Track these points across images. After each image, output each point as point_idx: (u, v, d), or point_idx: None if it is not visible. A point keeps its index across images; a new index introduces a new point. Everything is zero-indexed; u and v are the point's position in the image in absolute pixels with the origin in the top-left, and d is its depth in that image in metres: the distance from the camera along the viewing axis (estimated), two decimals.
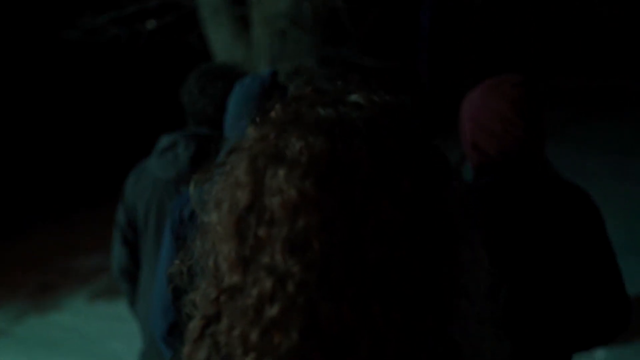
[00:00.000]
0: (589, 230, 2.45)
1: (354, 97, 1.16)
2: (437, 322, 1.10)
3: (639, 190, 7.25)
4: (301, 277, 1.06)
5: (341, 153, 1.08)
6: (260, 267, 1.08)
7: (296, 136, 1.10)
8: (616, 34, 10.26)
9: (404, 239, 1.08)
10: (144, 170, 3.26)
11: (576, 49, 10.29)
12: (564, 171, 2.61)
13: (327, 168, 1.07)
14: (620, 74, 10.21)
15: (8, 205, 7.54)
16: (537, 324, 2.41)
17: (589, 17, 9.85)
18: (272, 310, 1.06)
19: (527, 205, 2.43)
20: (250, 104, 2.59)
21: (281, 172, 1.08)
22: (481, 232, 1.20)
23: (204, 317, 1.14)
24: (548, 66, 9.96)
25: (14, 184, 7.72)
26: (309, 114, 1.13)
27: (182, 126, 3.37)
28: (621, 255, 2.56)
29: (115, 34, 5.77)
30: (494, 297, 1.23)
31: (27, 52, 7.88)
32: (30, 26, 7.80)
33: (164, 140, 3.23)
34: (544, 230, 2.43)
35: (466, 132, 2.54)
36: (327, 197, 1.07)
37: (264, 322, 1.07)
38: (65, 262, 6.56)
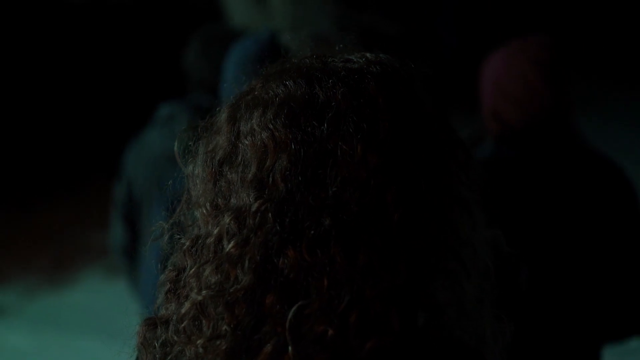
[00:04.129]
0: (621, 207, 2.29)
1: (346, 56, 1.16)
2: (411, 277, 1.05)
3: None
4: (260, 214, 1.04)
5: (317, 94, 1.08)
6: (226, 209, 1.08)
7: (276, 82, 1.11)
8: None
9: (376, 183, 1.05)
10: (144, 142, 3.12)
11: (615, 14, 9.97)
12: (599, 147, 2.44)
13: (299, 107, 1.07)
14: None
15: (22, 177, 7.42)
16: (561, 309, 2.28)
17: None
18: (229, 246, 1.05)
19: (552, 182, 2.27)
20: (248, 67, 2.45)
21: (255, 114, 1.09)
22: (493, 207, 1.18)
23: (175, 269, 1.13)
24: (583, 30, 9.66)
25: (26, 155, 7.60)
26: (296, 64, 1.14)
27: (185, 92, 3.22)
28: None
29: None
30: (505, 277, 1.21)
31: (31, 18, 7.76)
32: None
33: (163, 110, 3.08)
34: (571, 208, 2.27)
35: (486, 98, 2.37)
36: (296, 136, 1.06)
37: (220, 258, 1.06)
38: (81, 236, 6.43)
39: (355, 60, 1.14)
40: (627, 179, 2.33)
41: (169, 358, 1.10)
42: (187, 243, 1.12)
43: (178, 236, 1.18)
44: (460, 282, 1.09)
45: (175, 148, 1.23)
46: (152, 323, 1.13)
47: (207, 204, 1.11)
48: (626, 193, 2.31)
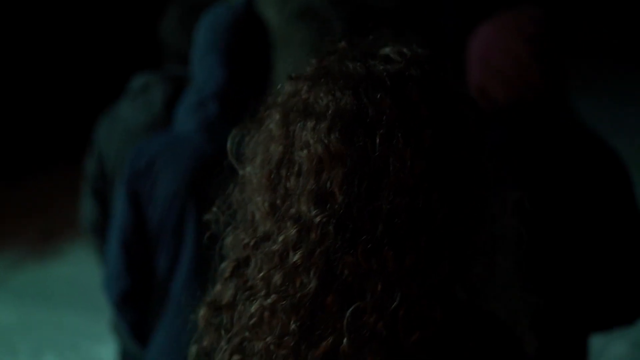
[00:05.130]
0: (612, 190, 2.17)
1: (385, 51, 1.22)
2: (453, 269, 1.17)
3: None
4: (323, 228, 1.15)
5: (365, 107, 1.16)
6: (287, 216, 1.19)
7: (324, 91, 1.19)
8: None
9: (422, 188, 1.14)
10: (116, 115, 2.99)
11: None
12: (600, 128, 2.35)
13: (351, 122, 1.15)
14: None
15: (8, 150, 7.30)
16: (550, 299, 2.12)
17: None
18: (295, 257, 1.17)
19: (540, 162, 2.16)
20: (220, 37, 2.33)
21: (309, 125, 1.18)
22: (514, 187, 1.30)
23: (236, 259, 1.27)
24: (581, 6, 9.47)
25: (12, 127, 7.46)
26: (338, 69, 1.20)
27: (161, 65, 3.11)
28: None
29: None
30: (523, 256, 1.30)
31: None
32: None
33: (137, 82, 2.97)
34: (560, 190, 2.16)
35: (473, 74, 2.25)
36: (351, 151, 1.15)
37: (287, 267, 1.18)
38: (68, 209, 6.29)
39: (393, 58, 1.21)
40: (620, 163, 2.22)
41: (232, 345, 1.24)
42: (247, 238, 1.24)
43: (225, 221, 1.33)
44: (493, 261, 1.22)
45: (229, 145, 1.32)
46: (216, 308, 1.28)
47: (266, 204, 1.22)
48: (618, 179, 2.21)
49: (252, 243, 1.24)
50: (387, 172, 1.14)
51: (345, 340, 1.15)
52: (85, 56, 7.77)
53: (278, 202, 1.21)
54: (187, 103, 2.36)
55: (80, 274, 5.61)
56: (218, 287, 1.30)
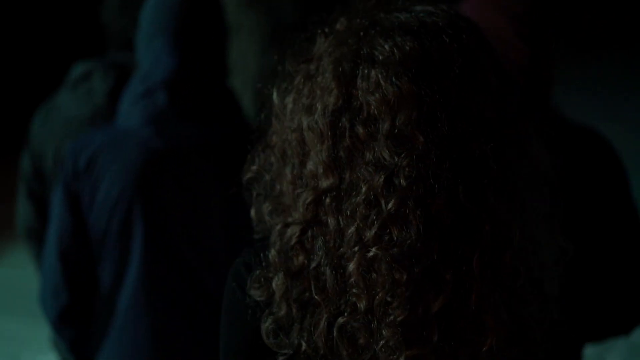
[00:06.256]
0: (611, 187, 2.07)
1: (421, 7, 1.27)
2: (543, 209, 1.27)
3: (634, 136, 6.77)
4: (411, 170, 1.16)
5: (429, 51, 1.20)
6: (363, 164, 1.19)
7: (383, 38, 1.21)
8: None
9: (498, 132, 1.20)
10: (54, 107, 2.85)
11: None
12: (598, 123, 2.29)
13: (421, 65, 1.19)
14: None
15: None
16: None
17: None
18: (389, 206, 1.16)
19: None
20: (169, 18, 2.23)
21: (374, 73, 1.19)
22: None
23: (302, 221, 1.23)
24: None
25: None
26: (388, 19, 1.24)
27: (103, 52, 3.00)
28: None
29: None
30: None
31: None
32: None
33: (77, 70, 2.82)
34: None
35: None
36: (425, 92, 1.17)
37: (381, 217, 1.17)
38: (7, 209, 6.13)
39: (435, 11, 1.26)
40: (617, 157, 2.09)
41: (329, 309, 1.20)
42: (310, 196, 1.22)
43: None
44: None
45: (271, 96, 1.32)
46: (294, 274, 1.23)
47: (325, 155, 1.21)
48: (616, 174, 2.09)
49: (320, 200, 1.22)
50: (464, 116, 1.18)
51: (475, 286, 1.18)
52: (19, 43, 7.53)
53: (342, 153, 1.20)
54: (132, 93, 2.24)
55: (21, 278, 5.37)
56: (282, 256, 1.25)
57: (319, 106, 1.22)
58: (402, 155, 1.16)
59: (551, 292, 1.31)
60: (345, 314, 1.20)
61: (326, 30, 1.28)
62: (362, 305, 1.18)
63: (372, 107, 1.18)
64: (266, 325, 1.25)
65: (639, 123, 7.29)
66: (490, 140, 1.18)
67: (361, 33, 1.23)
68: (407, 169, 1.15)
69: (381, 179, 1.16)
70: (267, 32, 3.68)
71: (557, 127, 2.05)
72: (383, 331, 1.18)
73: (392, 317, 1.17)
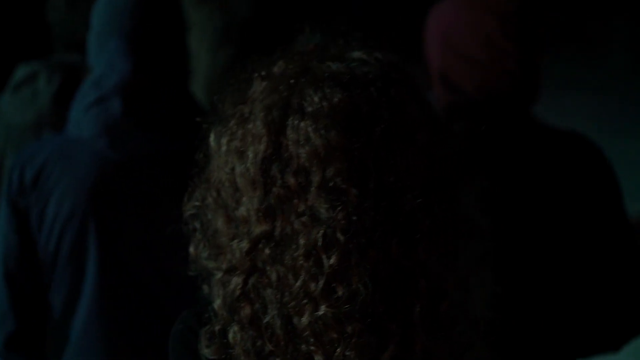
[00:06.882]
0: (601, 196, 2.07)
1: (356, 54, 1.30)
2: (455, 259, 1.27)
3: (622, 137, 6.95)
4: (348, 224, 1.19)
5: (358, 105, 1.23)
6: (296, 215, 1.21)
7: (312, 89, 1.25)
8: None
9: (427, 186, 1.23)
10: None
11: None
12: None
13: (349, 118, 1.22)
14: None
15: None
16: (527, 322, 2.09)
17: None
18: (331, 261, 1.19)
19: (518, 168, 2.05)
20: (124, 18, 2.16)
21: (303, 124, 1.23)
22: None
23: (242, 271, 1.25)
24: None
25: None
26: (319, 68, 1.27)
27: (48, 53, 2.98)
28: None
29: None
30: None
31: None
32: None
33: (20, 72, 2.77)
34: (541, 201, 2.05)
35: (433, 58, 2.12)
36: (354, 145, 1.20)
37: (325, 273, 1.20)
38: None
39: (367, 60, 1.28)
40: (608, 164, 2.09)
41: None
42: (246, 244, 1.23)
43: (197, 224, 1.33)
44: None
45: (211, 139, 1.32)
46: (244, 326, 1.24)
47: (256, 202, 1.23)
48: (606, 182, 2.09)
49: (251, 248, 1.24)
50: (392, 169, 1.21)
51: (414, 338, 1.21)
52: None
53: (273, 201, 1.22)
54: (83, 100, 2.14)
55: None
56: (228, 308, 1.26)
57: (249, 153, 1.25)
58: (338, 209, 1.19)
59: (491, 333, 1.34)
60: None
61: (263, 73, 1.30)
62: (319, 358, 1.22)
63: (302, 159, 1.21)
64: None
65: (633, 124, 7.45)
66: (419, 195, 1.22)
67: (292, 81, 1.26)
68: (343, 222, 1.19)
69: (319, 234, 1.19)
70: (219, 28, 3.60)
71: (540, 136, 2.06)
72: None
73: None
